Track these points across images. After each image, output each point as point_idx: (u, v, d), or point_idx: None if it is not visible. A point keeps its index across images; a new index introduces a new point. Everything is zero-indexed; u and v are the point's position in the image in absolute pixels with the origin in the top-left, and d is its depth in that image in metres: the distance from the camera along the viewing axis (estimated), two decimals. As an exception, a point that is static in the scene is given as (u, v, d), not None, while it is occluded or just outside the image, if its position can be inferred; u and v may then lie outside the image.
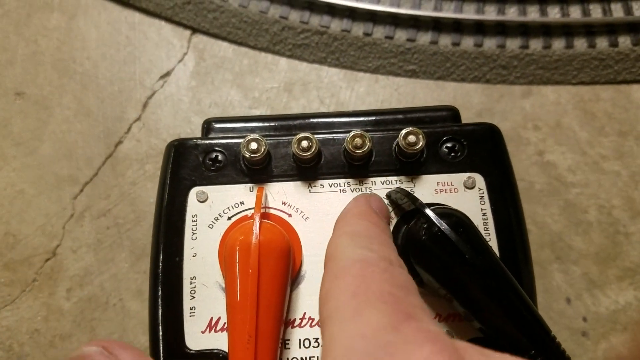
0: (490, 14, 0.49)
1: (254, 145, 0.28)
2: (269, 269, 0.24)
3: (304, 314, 0.27)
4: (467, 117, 0.44)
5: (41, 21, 0.50)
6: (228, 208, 0.28)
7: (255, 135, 0.28)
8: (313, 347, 0.26)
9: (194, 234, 0.28)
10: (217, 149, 0.30)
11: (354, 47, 0.48)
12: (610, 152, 0.44)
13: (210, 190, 0.29)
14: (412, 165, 0.29)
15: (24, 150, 0.46)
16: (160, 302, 0.27)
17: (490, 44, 0.48)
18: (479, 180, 0.29)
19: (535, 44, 0.48)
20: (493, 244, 0.27)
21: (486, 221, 0.28)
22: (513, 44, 0.48)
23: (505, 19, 0.48)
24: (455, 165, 0.29)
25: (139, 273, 0.42)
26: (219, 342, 0.26)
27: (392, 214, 0.28)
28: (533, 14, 0.49)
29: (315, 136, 0.28)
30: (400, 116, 0.33)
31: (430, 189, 0.29)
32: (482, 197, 0.28)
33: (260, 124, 0.33)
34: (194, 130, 0.46)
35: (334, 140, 0.30)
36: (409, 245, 0.25)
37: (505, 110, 0.46)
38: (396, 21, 0.49)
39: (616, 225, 0.42)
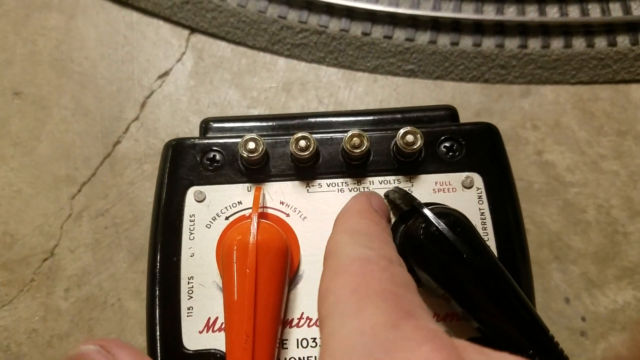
0: (489, 13, 0.49)
1: (251, 145, 0.28)
2: (266, 269, 0.24)
3: (302, 313, 0.27)
4: (465, 117, 0.44)
5: (40, 21, 0.50)
6: (226, 208, 0.28)
7: (253, 135, 0.28)
8: (311, 347, 0.26)
9: (191, 233, 0.28)
10: (214, 148, 0.30)
11: (352, 46, 0.48)
12: (609, 152, 0.44)
13: (207, 189, 0.29)
14: (410, 164, 0.29)
15: (21, 150, 0.45)
16: (157, 302, 0.27)
17: (488, 43, 0.48)
18: (477, 179, 0.29)
19: (534, 44, 0.48)
20: (491, 243, 0.27)
21: (484, 221, 0.28)
22: (512, 43, 0.48)
23: (504, 18, 0.48)
24: (454, 165, 0.29)
25: (137, 273, 0.42)
26: (217, 342, 0.26)
27: (391, 214, 0.28)
28: (532, 14, 0.49)
29: (313, 136, 0.28)
30: (399, 116, 0.33)
31: (429, 188, 0.29)
32: (480, 197, 0.28)
33: (258, 124, 0.33)
34: (192, 130, 0.46)
35: (332, 140, 0.30)
36: (407, 244, 0.25)
37: (504, 110, 0.46)
38: (395, 21, 0.49)
39: (615, 225, 0.42)
